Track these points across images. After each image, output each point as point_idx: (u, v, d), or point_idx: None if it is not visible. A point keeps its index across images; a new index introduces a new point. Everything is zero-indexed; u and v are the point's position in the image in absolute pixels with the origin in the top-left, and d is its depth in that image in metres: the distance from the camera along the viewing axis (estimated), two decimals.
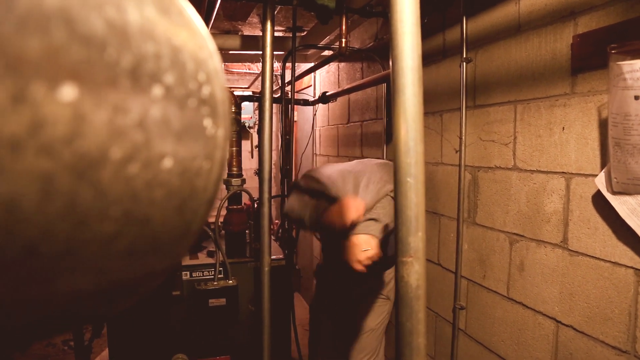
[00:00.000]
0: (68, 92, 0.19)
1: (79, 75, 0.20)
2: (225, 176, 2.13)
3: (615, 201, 1.21)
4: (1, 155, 0.17)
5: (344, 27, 2.09)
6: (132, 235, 0.25)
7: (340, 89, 2.97)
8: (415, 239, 0.73)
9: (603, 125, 1.27)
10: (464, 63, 1.83)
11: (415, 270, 0.73)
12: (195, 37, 0.31)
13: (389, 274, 2.07)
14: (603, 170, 1.25)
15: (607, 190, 1.23)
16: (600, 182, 1.25)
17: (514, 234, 1.64)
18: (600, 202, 1.29)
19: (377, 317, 2.06)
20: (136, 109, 0.23)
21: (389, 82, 2.65)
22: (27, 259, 0.20)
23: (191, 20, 0.31)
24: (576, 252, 1.39)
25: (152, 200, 0.25)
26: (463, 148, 1.86)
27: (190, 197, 0.29)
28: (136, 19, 0.24)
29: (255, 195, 2.02)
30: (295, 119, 4.82)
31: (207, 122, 0.29)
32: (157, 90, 0.25)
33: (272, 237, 2.50)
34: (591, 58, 1.28)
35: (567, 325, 1.43)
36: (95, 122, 0.20)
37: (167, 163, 0.26)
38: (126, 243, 0.25)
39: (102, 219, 0.22)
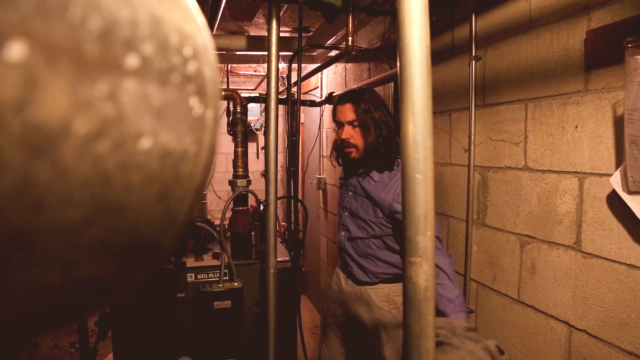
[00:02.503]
0: (15, 50, 0.16)
1: (30, 33, 0.17)
2: (231, 177, 2.11)
3: (632, 201, 1.17)
4: None
5: (350, 25, 2.06)
6: (105, 224, 0.22)
7: (347, 90, 2.94)
8: (424, 238, 0.69)
9: (618, 122, 1.23)
10: (473, 61, 1.79)
11: (423, 271, 0.70)
12: (181, 8, 0.28)
13: (395, 290, 1.97)
14: (618, 170, 1.21)
15: (623, 190, 1.19)
16: (616, 181, 1.21)
17: (525, 235, 1.60)
18: (615, 203, 1.25)
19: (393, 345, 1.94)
20: (106, 79, 0.20)
21: (397, 81, 2.63)
22: None
23: None
24: (590, 254, 1.35)
25: (128, 185, 0.22)
26: (472, 148, 1.82)
27: (175, 184, 0.26)
28: None
29: (261, 197, 1.99)
30: (302, 120, 4.80)
31: (194, 101, 0.26)
32: (132, 60, 0.22)
33: (278, 239, 2.47)
34: (606, 53, 1.25)
35: (580, 330, 1.39)
36: (52, 89, 0.18)
37: (145, 143, 0.23)
38: (98, 233, 0.22)
39: (65, 204, 0.19)
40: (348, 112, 1.91)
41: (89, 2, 0.19)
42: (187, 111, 0.26)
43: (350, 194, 2.02)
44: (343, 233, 2.06)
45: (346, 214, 2.04)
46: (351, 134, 1.91)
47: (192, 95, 0.26)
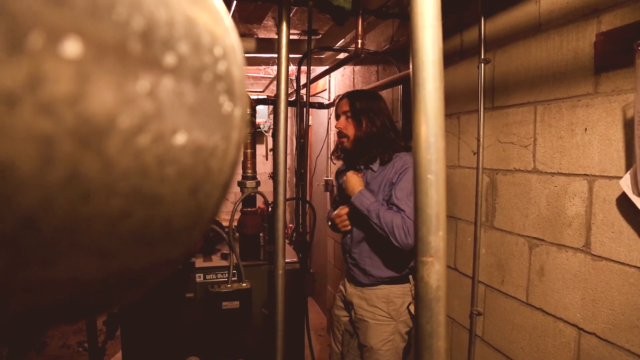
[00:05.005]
0: (71, 48, 0.18)
1: (83, 32, 0.18)
2: (240, 177, 2.12)
3: None
4: None
5: (360, 28, 2.07)
6: (142, 215, 0.23)
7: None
8: (436, 238, 0.70)
9: (628, 125, 1.23)
10: (482, 64, 1.79)
11: (435, 271, 0.70)
12: (211, 11, 0.29)
13: (395, 292, 2.01)
14: (628, 172, 1.21)
15: (633, 192, 1.19)
16: (626, 184, 1.21)
17: (534, 238, 1.60)
18: (625, 205, 1.25)
19: (377, 336, 2.00)
20: (147, 76, 0.21)
21: (405, 83, 2.66)
22: (25, 234, 0.18)
23: None
24: (599, 256, 1.35)
25: (164, 178, 0.23)
26: (481, 150, 1.83)
27: (205, 179, 0.27)
28: None
29: (270, 198, 2.00)
30: (309, 123, 4.81)
31: (223, 99, 0.27)
32: (170, 59, 0.23)
33: (286, 241, 2.48)
34: (616, 56, 1.25)
35: (589, 333, 1.38)
36: (101, 84, 0.19)
37: (180, 139, 0.24)
38: (135, 224, 0.23)
39: (108, 194, 0.20)
40: (344, 105, 2.07)
41: (132, 2, 0.20)
42: (217, 109, 0.27)
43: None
44: (348, 235, 2.10)
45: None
46: (344, 124, 2.06)
47: (221, 94, 0.27)
